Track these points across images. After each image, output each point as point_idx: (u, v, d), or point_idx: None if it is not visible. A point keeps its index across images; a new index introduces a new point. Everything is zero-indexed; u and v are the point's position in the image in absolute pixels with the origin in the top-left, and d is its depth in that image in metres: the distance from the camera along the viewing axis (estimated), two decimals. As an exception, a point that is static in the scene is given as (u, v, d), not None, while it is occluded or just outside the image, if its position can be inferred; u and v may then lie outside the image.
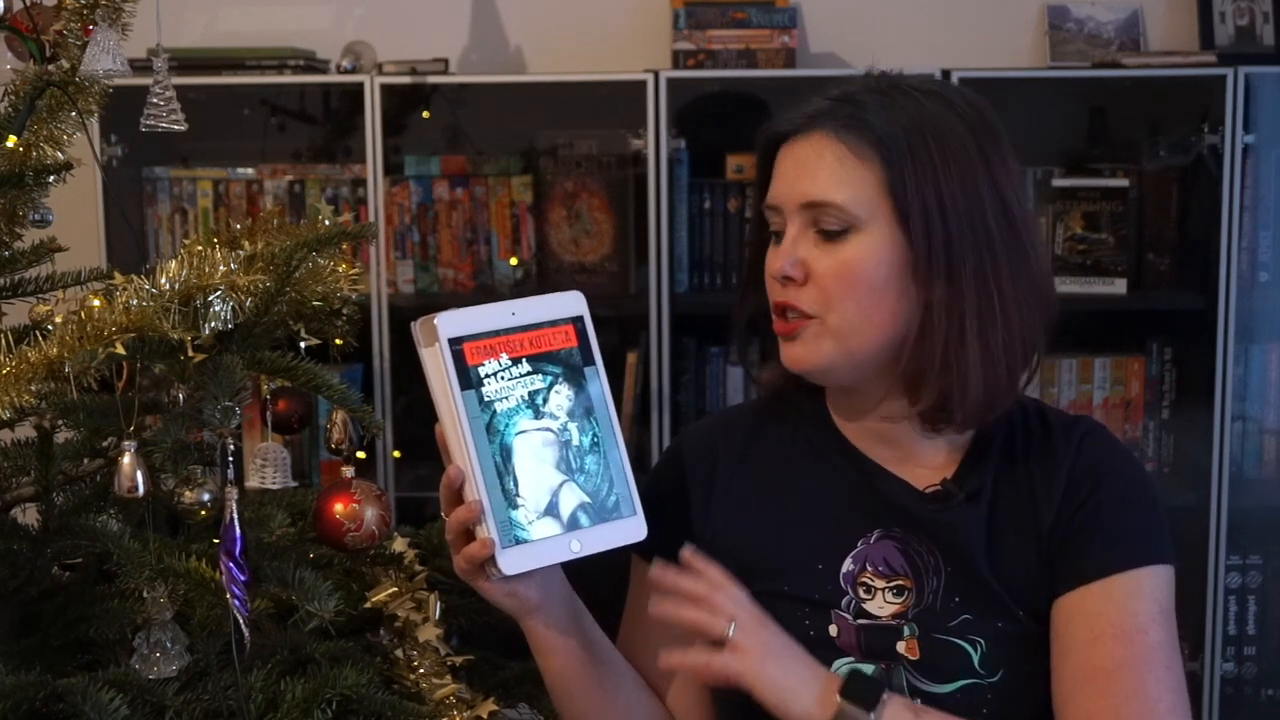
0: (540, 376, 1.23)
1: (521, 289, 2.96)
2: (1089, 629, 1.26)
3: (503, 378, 1.22)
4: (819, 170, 1.29)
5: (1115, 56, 2.90)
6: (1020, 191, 1.33)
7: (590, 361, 1.26)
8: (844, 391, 1.37)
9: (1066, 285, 2.88)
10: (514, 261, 2.97)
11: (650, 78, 2.79)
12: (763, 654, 1.20)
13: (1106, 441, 1.35)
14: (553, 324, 1.25)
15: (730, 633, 1.20)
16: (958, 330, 1.28)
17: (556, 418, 1.24)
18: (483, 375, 1.21)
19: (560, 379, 1.24)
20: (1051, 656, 1.28)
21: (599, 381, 1.26)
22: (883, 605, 1.32)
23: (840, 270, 1.27)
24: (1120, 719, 1.22)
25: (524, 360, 1.23)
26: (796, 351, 1.31)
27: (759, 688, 1.20)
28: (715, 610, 1.22)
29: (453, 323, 1.21)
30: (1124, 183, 2.88)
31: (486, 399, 1.21)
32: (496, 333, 1.22)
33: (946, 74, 2.71)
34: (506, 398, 1.21)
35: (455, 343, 1.20)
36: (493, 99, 3.02)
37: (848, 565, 1.34)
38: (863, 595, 1.32)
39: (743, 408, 1.52)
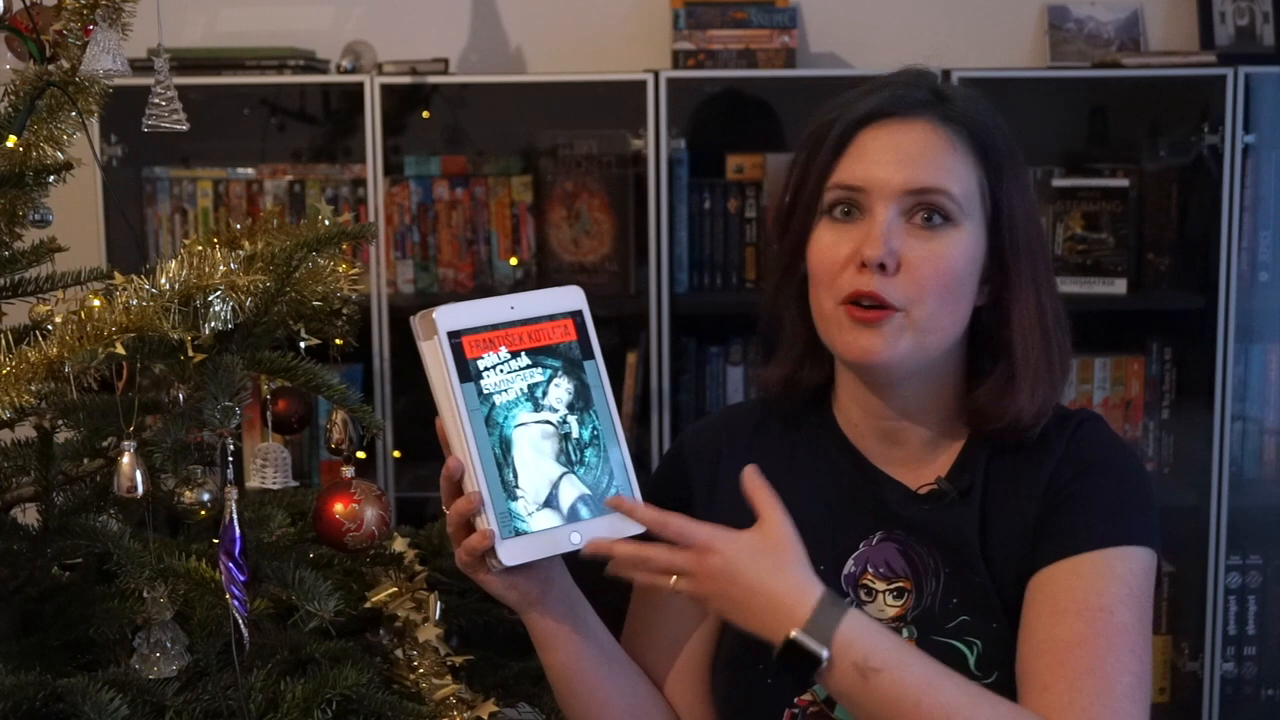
0: (539, 370, 1.23)
1: (521, 289, 2.95)
2: (1053, 603, 1.24)
3: (502, 371, 1.22)
4: (928, 157, 1.27)
5: (1115, 56, 2.90)
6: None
7: (590, 355, 1.26)
8: (872, 385, 1.35)
9: (1066, 285, 2.87)
10: (514, 261, 2.97)
11: (650, 78, 2.79)
12: (710, 598, 1.20)
13: (1099, 431, 1.35)
14: (552, 318, 1.25)
15: (674, 584, 1.20)
16: (1045, 341, 1.30)
17: (556, 410, 1.24)
18: (482, 368, 1.21)
19: (560, 372, 1.24)
20: (1019, 633, 1.27)
21: (599, 375, 1.26)
22: (883, 608, 1.32)
23: (937, 261, 1.25)
24: (1075, 690, 1.18)
25: (523, 354, 1.23)
26: (873, 342, 1.26)
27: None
28: (653, 569, 1.21)
29: (452, 316, 1.21)
30: (1124, 183, 2.88)
31: (485, 391, 1.21)
32: (495, 326, 1.22)
33: (946, 74, 2.71)
34: (505, 390, 1.22)
35: (454, 336, 1.20)
36: (493, 99, 3.02)
37: (849, 567, 1.34)
38: (864, 597, 1.32)
39: (744, 407, 1.51)
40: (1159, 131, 2.97)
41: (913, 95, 1.30)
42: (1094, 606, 1.22)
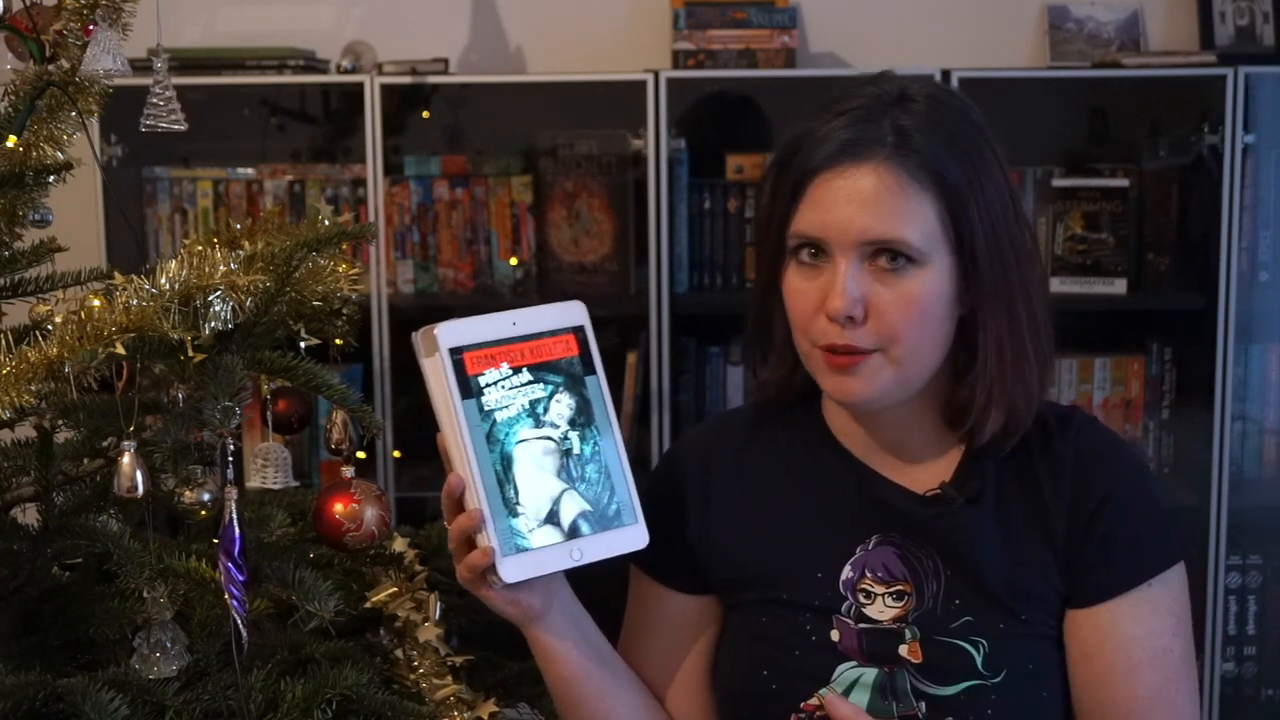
0: (541, 385, 1.23)
1: (522, 289, 2.96)
2: (1127, 655, 1.29)
3: (503, 387, 1.21)
4: (879, 204, 1.23)
5: (1115, 56, 2.90)
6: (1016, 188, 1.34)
7: (591, 371, 1.25)
8: (855, 412, 1.36)
9: (1066, 285, 2.88)
10: (514, 261, 2.97)
11: (650, 78, 2.79)
12: None
13: (1103, 436, 1.36)
14: (554, 334, 1.24)
15: None
16: (1019, 356, 1.29)
17: (557, 426, 1.23)
18: (483, 384, 1.21)
19: (561, 388, 1.24)
20: (1079, 671, 1.30)
21: (600, 391, 1.25)
22: (883, 610, 1.32)
23: (905, 304, 1.24)
24: None
25: (525, 369, 1.22)
26: (852, 386, 1.27)
27: None
28: None
29: (453, 333, 1.20)
30: (1124, 183, 2.88)
31: (487, 408, 1.21)
32: (497, 342, 1.22)
33: (946, 74, 2.71)
34: (507, 406, 1.21)
35: (456, 352, 1.20)
36: (493, 99, 3.02)
37: (847, 572, 1.33)
38: (863, 600, 1.32)
39: (737, 414, 1.50)
40: (1159, 131, 2.97)
41: (867, 134, 1.25)
42: (1159, 651, 1.30)
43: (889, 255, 1.24)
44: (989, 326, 1.28)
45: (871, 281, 1.25)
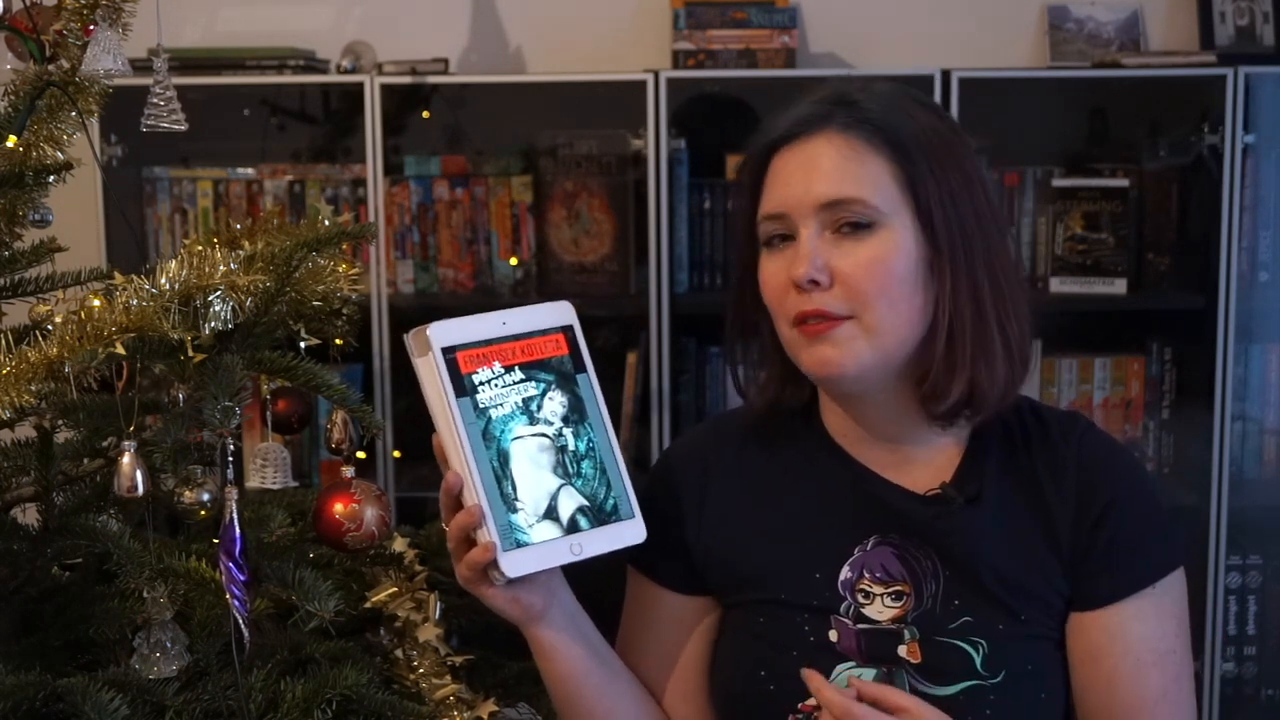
0: (533, 384, 1.24)
1: (522, 289, 2.96)
2: (1133, 657, 1.30)
3: (496, 385, 1.22)
4: (834, 168, 1.27)
5: (1115, 56, 2.90)
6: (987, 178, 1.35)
7: (582, 369, 1.26)
8: (843, 398, 1.36)
9: (1066, 285, 2.88)
10: (514, 261, 2.97)
11: (650, 78, 2.79)
12: None
13: (1105, 443, 1.36)
14: (543, 333, 1.25)
15: None
16: (980, 321, 1.29)
17: (551, 423, 1.24)
18: (477, 382, 1.21)
19: (553, 386, 1.25)
20: (1083, 672, 1.31)
21: (591, 388, 1.26)
22: (882, 610, 1.32)
23: (869, 266, 1.26)
24: None
25: (516, 368, 1.23)
26: (828, 353, 1.27)
27: None
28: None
29: (445, 332, 1.21)
30: (1124, 183, 2.88)
31: (481, 405, 1.21)
32: (488, 342, 1.23)
33: (946, 74, 2.71)
34: (501, 404, 1.22)
35: (448, 351, 1.21)
36: (493, 99, 3.02)
37: (845, 573, 1.33)
38: (861, 600, 1.32)
39: (733, 417, 1.51)
40: (1159, 131, 2.97)
41: (816, 110, 1.30)
42: (1164, 652, 1.31)
43: (850, 223, 1.27)
44: (948, 288, 1.28)
45: (833, 248, 1.27)
